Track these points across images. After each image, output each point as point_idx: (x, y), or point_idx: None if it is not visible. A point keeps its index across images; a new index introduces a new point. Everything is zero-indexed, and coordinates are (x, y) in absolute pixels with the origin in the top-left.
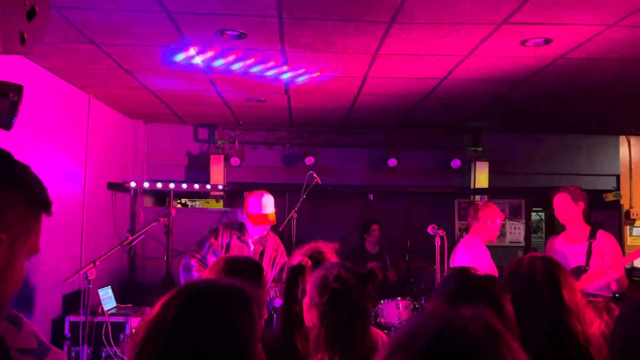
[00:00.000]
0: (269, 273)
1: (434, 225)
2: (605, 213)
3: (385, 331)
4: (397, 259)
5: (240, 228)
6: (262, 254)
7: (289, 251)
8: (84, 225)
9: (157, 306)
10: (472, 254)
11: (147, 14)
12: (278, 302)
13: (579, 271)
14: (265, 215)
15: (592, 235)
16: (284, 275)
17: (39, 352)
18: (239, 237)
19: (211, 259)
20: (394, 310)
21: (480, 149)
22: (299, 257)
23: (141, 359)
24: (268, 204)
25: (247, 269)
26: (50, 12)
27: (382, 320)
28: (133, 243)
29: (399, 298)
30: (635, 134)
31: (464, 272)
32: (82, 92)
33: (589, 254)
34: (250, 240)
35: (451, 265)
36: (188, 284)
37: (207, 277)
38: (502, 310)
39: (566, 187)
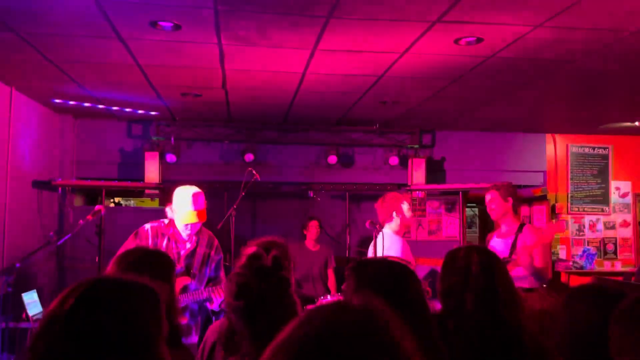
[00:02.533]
0: (203, 271)
1: (371, 220)
2: (533, 208)
3: None
4: (338, 255)
5: (169, 225)
6: (193, 252)
7: (229, 249)
8: (6, 226)
9: (57, 299)
10: (400, 246)
11: (73, 0)
12: (217, 304)
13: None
14: (195, 212)
15: (520, 229)
16: (221, 273)
17: None
18: (167, 237)
19: None
20: None
21: (417, 146)
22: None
23: (35, 350)
24: (198, 200)
25: (149, 264)
26: None
27: None
28: (59, 243)
29: (338, 293)
30: (561, 132)
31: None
32: (4, 85)
33: (513, 246)
34: (180, 239)
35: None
36: (89, 278)
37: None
38: (403, 296)
39: (495, 185)
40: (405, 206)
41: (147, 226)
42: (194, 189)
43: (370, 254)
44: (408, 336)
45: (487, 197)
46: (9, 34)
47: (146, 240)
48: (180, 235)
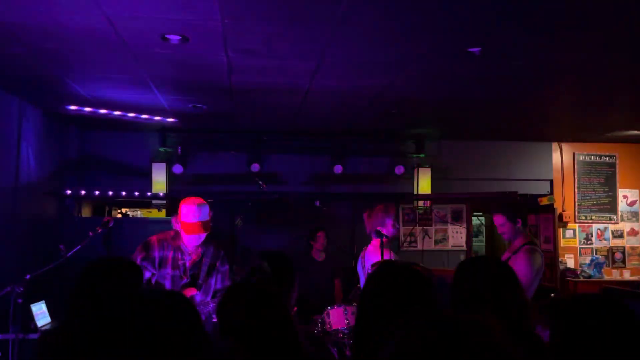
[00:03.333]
0: (209, 282)
1: (376, 230)
2: (540, 217)
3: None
4: (344, 265)
5: (175, 238)
6: (199, 263)
7: (235, 260)
8: (15, 236)
9: None
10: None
11: (84, 16)
12: None
13: None
14: (199, 223)
15: (518, 250)
16: (227, 283)
17: None
18: (173, 248)
19: (145, 275)
20: (342, 317)
21: (422, 155)
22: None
23: None
24: (202, 211)
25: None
26: None
27: (328, 327)
28: (68, 255)
29: (345, 304)
30: (567, 140)
31: (387, 264)
32: (13, 97)
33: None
34: (185, 250)
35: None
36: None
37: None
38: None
39: (499, 207)
40: (390, 221)
41: (154, 238)
42: (199, 200)
43: (360, 264)
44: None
45: (496, 222)
46: (21, 49)
47: (152, 251)
48: (185, 246)
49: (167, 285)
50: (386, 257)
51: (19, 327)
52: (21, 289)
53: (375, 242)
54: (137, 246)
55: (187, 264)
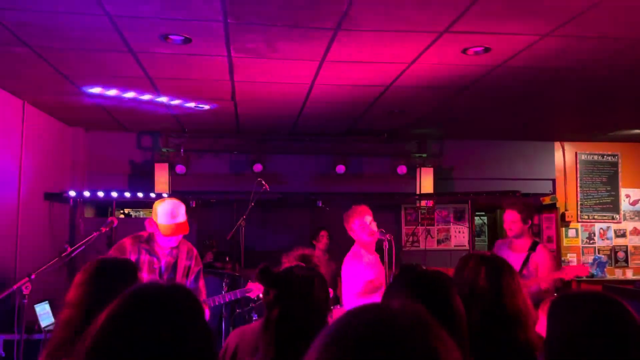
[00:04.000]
0: (184, 283)
1: (381, 229)
2: (542, 216)
3: None
4: None
5: (149, 240)
6: (174, 265)
7: (238, 260)
8: (19, 238)
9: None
10: (356, 265)
11: (87, 16)
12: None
13: None
14: (176, 225)
15: (533, 247)
16: (200, 284)
17: None
18: (147, 251)
19: None
20: None
21: (425, 155)
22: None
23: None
24: (179, 212)
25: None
26: None
27: None
28: (72, 255)
29: None
30: (569, 139)
31: (410, 269)
32: (16, 99)
33: (524, 263)
34: (160, 253)
35: (342, 279)
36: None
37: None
38: (449, 307)
39: (516, 205)
40: (367, 220)
41: (127, 241)
42: (175, 201)
43: (342, 275)
44: (451, 343)
45: (508, 217)
46: (23, 49)
47: (127, 255)
48: (160, 248)
49: None
50: (351, 267)
51: (24, 328)
52: (26, 289)
53: (354, 248)
54: (110, 249)
55: (163, 267)
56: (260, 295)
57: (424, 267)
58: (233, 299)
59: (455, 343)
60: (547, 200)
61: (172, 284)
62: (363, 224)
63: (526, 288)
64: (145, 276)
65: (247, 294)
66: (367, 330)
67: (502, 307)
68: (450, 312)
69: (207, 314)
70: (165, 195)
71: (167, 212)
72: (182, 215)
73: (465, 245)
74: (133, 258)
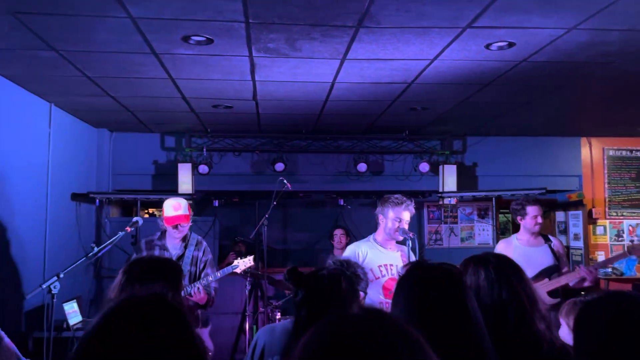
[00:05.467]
0: (191, 271)
1: (403, 227)
2: (569, 213)
3: None
4: None
5: (161, 237)
6: (182, 256)
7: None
8: (47, 237)
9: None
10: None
11: (110, 19)
12: (196, 298)
13: (554, 270)
14: (178, 215)
15: (547, 238)
16: (209, 270)
17: None
18: (159, 246)
19: None
20: None
21: (448, 152)
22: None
23: None
24: (180, 206)
25: (163, 272)
26: (7, 17)
27: None
28: (99, 254)
29: None
30: (596, 135)
31: (419, 266)
32: (43, 101)
33: (553, 254)
34: (171, 246)
35: None
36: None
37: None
38: (459, 301)
39: (537, 200)
40: (392, 214)
41: (143, 241)
42: (177, 198)
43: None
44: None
45: (535, 212)
46: (49, 53)
47: (143, 252)
48: (171, 242)
49: None
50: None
51: (53, 326)
52: (55, 288)
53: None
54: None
55: (173, 258)
56: (245, 267)
57: (431, 261)
58: (222, 276)
59: (462, 339)
60: (573, 197)
61: (154, 295)
62: (395, 219)
63: (567, 281)
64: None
65: (234, 270)
66: (330, 339)
67: (505, 304)
68: (461, 307)
69: (204, 299)
70: (188, 195)
71: (170, 206)
72: (183, 209)
73: (489, 243)
74: (146, 254)
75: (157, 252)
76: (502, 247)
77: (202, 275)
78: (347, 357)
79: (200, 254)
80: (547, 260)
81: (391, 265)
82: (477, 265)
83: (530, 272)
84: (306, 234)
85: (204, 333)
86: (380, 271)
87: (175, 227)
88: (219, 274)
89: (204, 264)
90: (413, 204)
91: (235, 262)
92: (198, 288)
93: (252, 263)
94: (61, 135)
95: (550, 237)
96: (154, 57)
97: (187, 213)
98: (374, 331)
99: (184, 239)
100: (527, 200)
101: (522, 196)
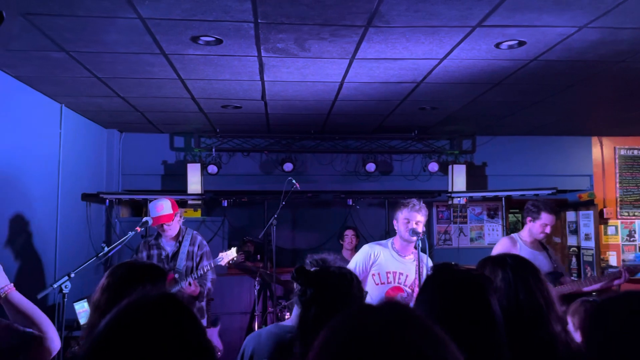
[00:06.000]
0: (187, 265)
1: (413, 228)
2: (579, 213)
3: None
4: None
5: (157, 237)
6: (176, 253)
7: (270, 259)
8: (58, 237)
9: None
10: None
11: (120, 20)
12: (190, 289)
13: (558, 276)
14: (160, 216)
15: (544, 245)
16: (205, 262)
17: None
18: (155, 245)
19: None
20: None
21: (457, 152)
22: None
23: None
24: (163, 206)
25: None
26: (18, 18)
27: None
28: (109, 254)
29: None
30: (607, 134)
31: (444, 269)
32: (54, 102)
33: (551, 261)
34: (166, 244)
35: None
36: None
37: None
38: (485, 307)
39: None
40: (402, 217)
41: (141, 243)
42: (157, 200)
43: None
44: (440, 338)
45: (550, 221)
46: (60, 54)
47: (140, 252)
48: (165, 241)
49: None
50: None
51: (64, 325)
52: (66, 288)
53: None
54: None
55: (169, 255)
56: (229, 259)
57: (459, 266)
58: (209, 268)
59: (483, 342)
60: (584, 197)
61: (162, 295)
62: (404, 220)
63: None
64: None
65: (219, 263)
66: (353, 334)
67: (522, 306)
68: (486, 313)
69: (197, 291)
70: (198, 195)
71: (153, 207)
72: (166, 209)
73: None
74: (145, 254)
75: (154, 252)
76: (508, 245)
77: (193, 266)
78: (373, 348)
79: (196, 248)
80: (548, 266)
81: (401, 273)
82: (495, 265)
83: None
84: (315, 233)
85: (214, 333)
86: (387, 277)
87: (161, 226)
88: (205, 268)
89: (200, 257)
90: (424, 207)
91: (220, 255)
92: (189, 282)
93: (235, 254)
94: (71, 136)
95: (546, 245)
96: (164, 57)
97: (170, 212)
98: (398, 323)
99: (178, 236)
100: (546, 206)
101: (535, 197)
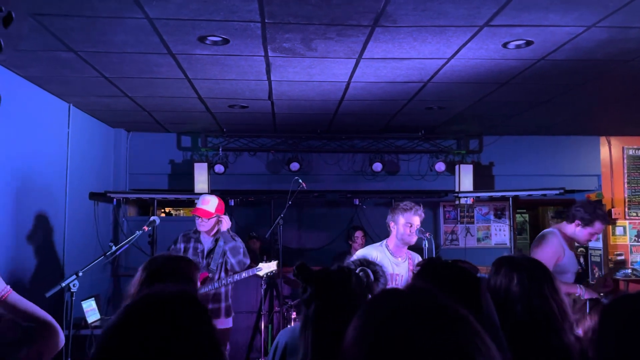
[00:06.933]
0: (220, 263)
1: (420, 228)
2: None
3: None
4: None
5: (196, 232)
6: (212, 250)
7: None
8: (66, 236)
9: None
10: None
11: (128, 20)
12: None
13: (585, 276)
14: (199, 208)
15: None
16: (234, 260)
17: None
18: (194, 239)
19: None
20: None
21: (464, 152)
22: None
23: None
24: (206, 201)
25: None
26: (28, 19)
27: None
28: (116, 253)
29: None
30: (615, 134)
31: (432, 263)
32: (62, 102)
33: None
34: (204, 240)
35: None
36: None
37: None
38: (475, 299)
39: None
40: (402, 220)
41: (181, 235)
42: (211, 195)
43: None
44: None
45: (599, 232)
46: (68, 54)
47: (178, 244)
48: (204, 237)
49: None
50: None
51: (72, 324)
52: (74, 286)
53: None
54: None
55: (206, 250)
56: (269, 273)
57: (445, 260)
58: (246, 277)
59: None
60: (592, 197)
61: (178, 291)
62: (406, 224)
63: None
64: (191, 258)
65: (257, 272)
66: (390, 312)
67: (535, 312)
68: (472, 305)
69: (200, 279)
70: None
71: (200, 198)
72: (208, 204)
73: (506, 244)
74: (182, 245)
75: (191, 244)
76: (557, 246)
77: (224, 262)
78: (413, 328)
79: (227, 246)
80: (576, 266)
81: (397, 275)
82: (511, 268)
83: (572, 277)
84: (321, 233)
85: (228, 321)
86: None
87: (198, 217)
88: (244, 275)
89: (228, 251)
90: (422, 209)
91: (260, 265)
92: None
93: (275, 268)
94: (79, 136)
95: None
96: (171, 57)
97: (209, 211)
98: (429, 305)
99: (216, 234)
100: (603, 219)
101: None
